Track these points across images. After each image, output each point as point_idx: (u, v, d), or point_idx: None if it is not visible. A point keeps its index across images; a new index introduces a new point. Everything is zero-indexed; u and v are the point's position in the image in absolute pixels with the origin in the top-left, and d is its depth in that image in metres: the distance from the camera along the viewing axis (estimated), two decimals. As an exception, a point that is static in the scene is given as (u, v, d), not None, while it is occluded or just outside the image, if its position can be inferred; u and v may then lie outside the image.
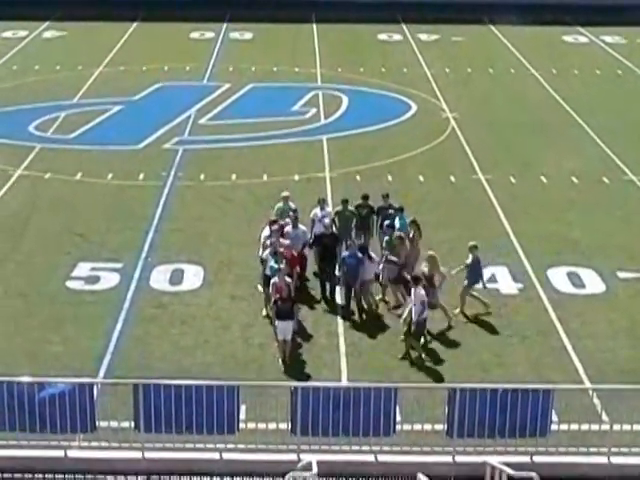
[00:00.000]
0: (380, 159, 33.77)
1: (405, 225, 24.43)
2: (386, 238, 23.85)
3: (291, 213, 24.57)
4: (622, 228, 28.65)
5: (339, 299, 23.73)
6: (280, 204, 25.42)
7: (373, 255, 23.42)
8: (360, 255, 23.06)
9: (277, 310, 21.34)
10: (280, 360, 21.19)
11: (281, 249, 22.82)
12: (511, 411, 17.25)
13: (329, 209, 25.70)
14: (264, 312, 22.94)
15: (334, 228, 24.86)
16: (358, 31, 54.25)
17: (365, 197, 25.57)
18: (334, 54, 48.87)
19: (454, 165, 33.44)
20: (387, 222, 24.49)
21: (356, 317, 23.17)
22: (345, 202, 25.50)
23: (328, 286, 23.93)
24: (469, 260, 23.22)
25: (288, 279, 21.68)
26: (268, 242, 23.25)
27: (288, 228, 24.13)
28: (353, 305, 23.32)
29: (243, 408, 17.82)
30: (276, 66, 46.61)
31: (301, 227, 24.40)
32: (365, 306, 23.34)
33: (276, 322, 21.40)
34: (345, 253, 23.24)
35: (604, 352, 21.93)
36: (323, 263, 23.95)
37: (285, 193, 25.77)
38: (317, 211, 25.08)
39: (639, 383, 19.16)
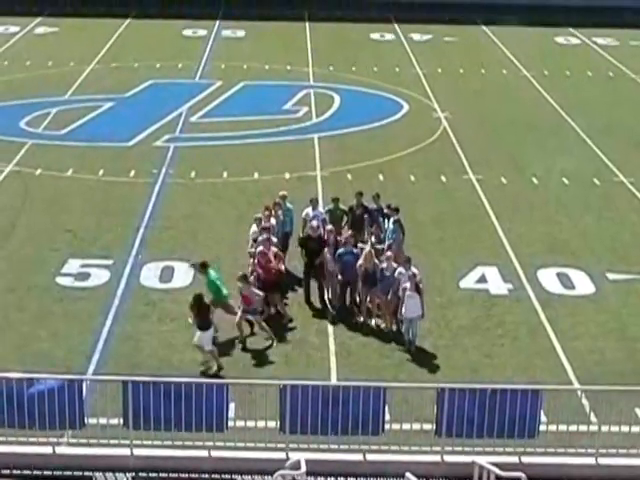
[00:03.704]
0: (371, 158, 33.76)
1: (394, 229, 24.32)
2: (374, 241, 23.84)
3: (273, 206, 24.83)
4: (612, 229, 28.69)
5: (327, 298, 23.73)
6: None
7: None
8: (355, 251, 23.07)
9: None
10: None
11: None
12: (500, 411, 17.25)
13: (321, 209, 25.64)
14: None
15: (326, 226, 24.76)
16: (351, 30, 54.25)
17: (360, 194, 25.35)
18: (326, 53, 48.84)
19: (445, 165, 33.44)
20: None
21: (350, 315, 23.15)
22: (336, 200, 25.44)
23: (316, 286, 23.85)
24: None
25: (256, 291, 22.02)
26: (260, 238, 23.27)
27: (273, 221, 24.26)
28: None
29: (232, 406, 17.82)
30: (268, 64, 46.58)
31: (273, 220, 24.37)
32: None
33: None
34: (340, 250, 23.11)
35: (593, 353, 21.97)
36: (309, 269, 23.80)
37: (282, 192, 25.70)
38: (309, 211, 25.03)
39: (627, 384, 19.24)
